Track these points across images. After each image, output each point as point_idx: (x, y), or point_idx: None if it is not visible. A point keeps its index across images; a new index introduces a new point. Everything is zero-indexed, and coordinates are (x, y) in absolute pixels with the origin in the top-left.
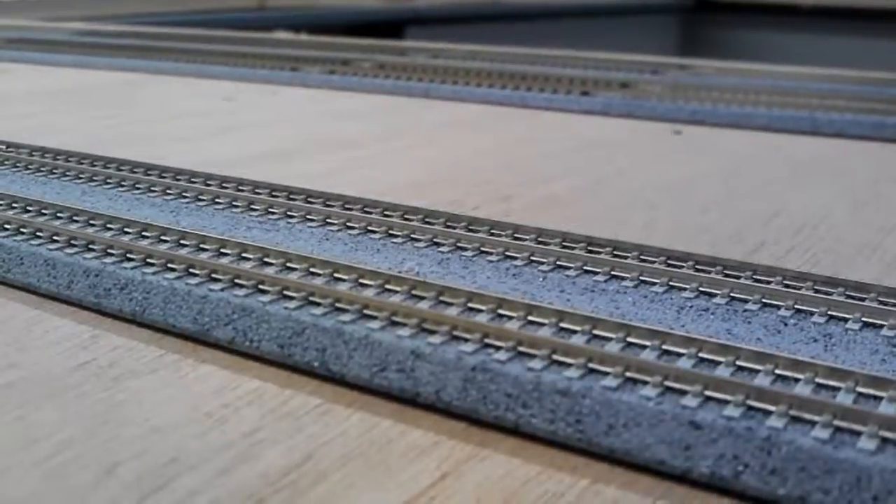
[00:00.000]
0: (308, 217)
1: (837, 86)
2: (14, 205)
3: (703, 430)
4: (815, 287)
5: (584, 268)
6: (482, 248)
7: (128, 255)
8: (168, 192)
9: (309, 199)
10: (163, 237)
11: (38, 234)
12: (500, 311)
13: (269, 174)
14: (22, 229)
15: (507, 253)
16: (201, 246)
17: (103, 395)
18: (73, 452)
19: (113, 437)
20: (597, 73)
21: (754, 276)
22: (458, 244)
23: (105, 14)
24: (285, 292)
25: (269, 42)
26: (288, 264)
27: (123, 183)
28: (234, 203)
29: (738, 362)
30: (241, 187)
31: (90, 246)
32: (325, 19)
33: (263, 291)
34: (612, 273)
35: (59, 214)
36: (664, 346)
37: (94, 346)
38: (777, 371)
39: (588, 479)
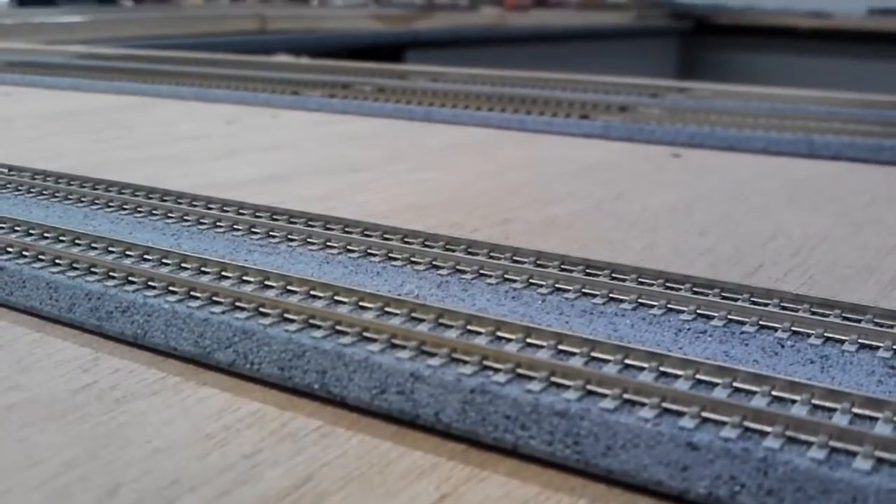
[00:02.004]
0: (308, 240)
1: (835, 109)
2: (16, 228)
3: (700, 450)
4: (812, 309)
5: (583, 290)
6: (481, 271)
7: (129, 279)
8: (169, 215)
9: (309, 223)
10: (164, 260)
11: (40, 257)
12: (499, 334)
13: (270, 197)
14: (24, 252)
15: (507, 276)
16: (202, 269)
17: (105, 418)
18: (75, 474)
19: (115, 459)
20: (596, 97)
21: (752, 299)
22: (458, 267)
23: (106, 37)
24: (286, 315)
25: (269, 65)
26: (288, 287)
27: (125, 206)
28: (235, 226)
29: (735, 384)
30: (241, 211)
31: (92, 269)
32: (326, 43)
33: (264, 314)
34: (611, 296)
35: (61, 238)
36: (662, 368)
37: (96, 368)
38: (774, 392)
39: (586, 499)
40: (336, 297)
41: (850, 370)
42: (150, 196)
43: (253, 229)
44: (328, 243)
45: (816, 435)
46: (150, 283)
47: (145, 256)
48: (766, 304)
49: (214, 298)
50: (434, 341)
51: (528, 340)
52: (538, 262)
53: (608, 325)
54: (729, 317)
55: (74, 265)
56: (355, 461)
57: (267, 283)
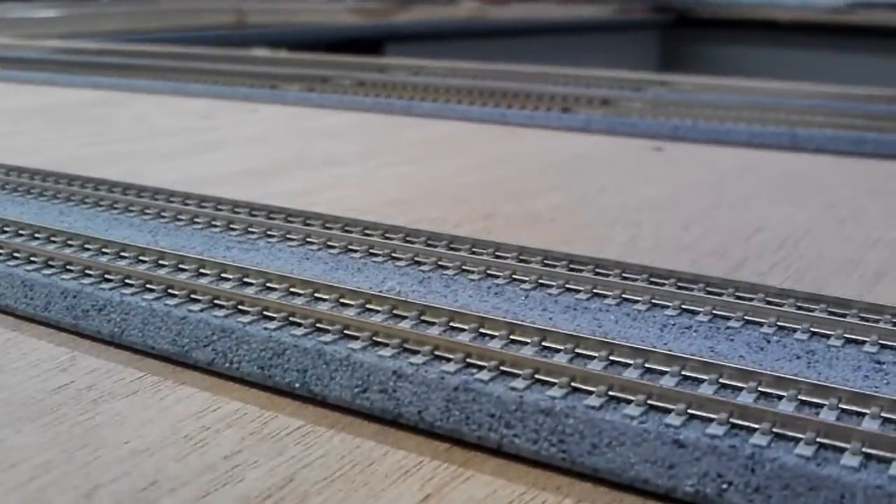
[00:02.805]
0: (288, 236)
1: (817, 102)
2: None
3: (686, 448)
4: (798, 304)
5: (566, 286)
6: (463, 267)
7: (106, 276)
8: (146, 211)
9: (289, 218)
10: (141, 257)
11: (14, 254)
12: (482, 331)
13: (249, 193)
14: None
15: (489, 271)
16: (180, 266)
17: (82, 418)
18: (51, 476)
19: (92, 461)
20: (577, 90)
21: (736, 294)
22: (440, 263)
23: (82, 32)
24: (265, 313)
25: (247, 59)
26: (268, 284)
27: (101, 203)
28: (213, 222)
29: (721, 380)
30: (219, 206)
31: (68, 267)
32: (305, 36)
33: (243, 312)
34: (595, 291)
35: (36, 235)
36: (647, 365)
37: (73, 368)
38: (760, 388)
39: (572, 498)
40: (316, 295)
41: (837, 365)
42: (126, 192)
43: (231, 225)
44: (308, 239)
45: (804, 431)
46: (126, 280)
47: (122, 253)
48: (751, 299)
49: (192, 296)
50: (416, 338)
51: (512, 337)
52: (521, 257)
53: (592, 321)
54: (714, 312)
55: (50, 263)
56: (337, 461)
57: (246, 280)
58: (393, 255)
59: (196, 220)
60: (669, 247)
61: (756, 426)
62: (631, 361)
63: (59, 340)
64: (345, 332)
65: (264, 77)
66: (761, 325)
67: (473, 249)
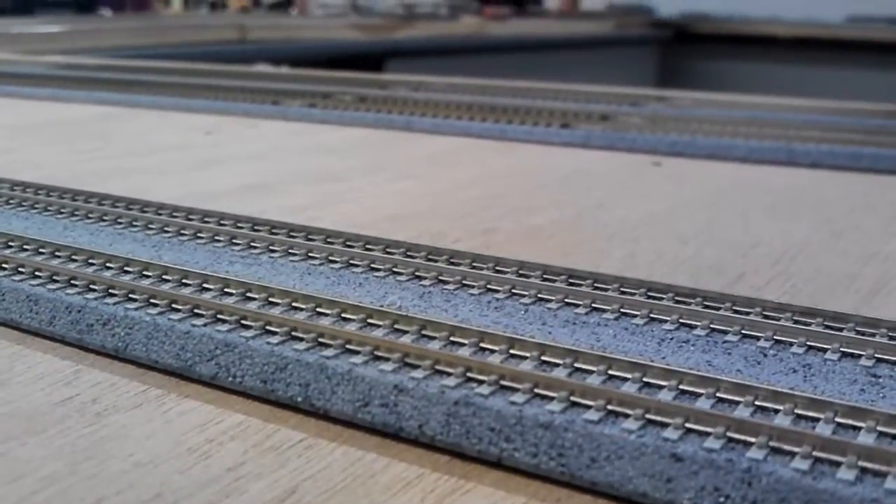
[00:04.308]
0: (290, 251)
1: (814, 117)
2: None
3: (684, 462)
4: (794, 318)
5: (565, 300)
6: (464, 282)
7: (110, 291)
8: (150, 226)
9: (291, 234)
10: (145, 272)
11: (19, 269)
12: (483, 345)
13: (251, 208)
14: (3, 265)
15: (489, 286)
16: (184, 281)
17: (86, 431)
18: (56, 489)
19: (96, 473)
20: (577, 106)
21: (734, 308)
22: (440, 277)
23: (85, 47)
24: (268, 327)
25: (249, 75)
26: (270, 299)
27: (105, 218)
28: (216, 238)
29: (718, 394)
30: (222, 221)
31: (72, 281)
32: (306, 52)
33: (246, 327)
34: (593, 305)
35: (40, 250)
36: (645, 379)
37: (77, 381)
38: (757, 402)
39: None
40: (318, 309)
41: (833, 379)
42: (130, 207)
43: (234, 240)
44: (310, 254)
45: (800, 445)
46: (130, 295)
47: (126, 268)
48: (748, 314)
49: (196, 311)
50: (417, 353)
51: (512, 351)
52: (520, 272)
53: (591, 336)
54: (711, 326)
55: (54, 277)
56: (339, 473)
57: (249, 294)
58: (394, 269)
59: (199, 235)
60: (668, 261)
61: (753, 440)
62: (629, 375)
63: (64, 354)
64: (346, 346)
65: (266, 93)
66: (758, 339)
67: (474, 264)
